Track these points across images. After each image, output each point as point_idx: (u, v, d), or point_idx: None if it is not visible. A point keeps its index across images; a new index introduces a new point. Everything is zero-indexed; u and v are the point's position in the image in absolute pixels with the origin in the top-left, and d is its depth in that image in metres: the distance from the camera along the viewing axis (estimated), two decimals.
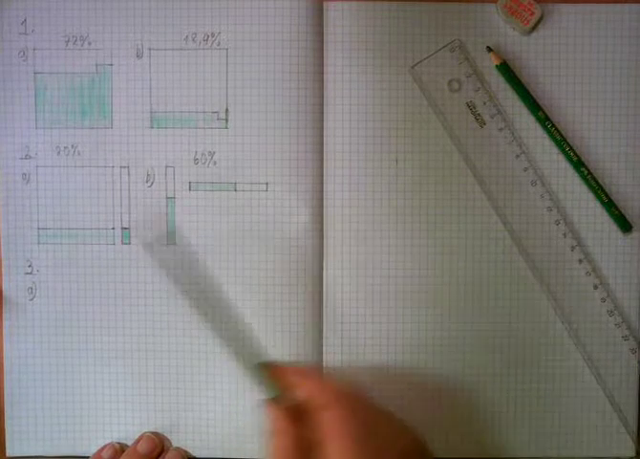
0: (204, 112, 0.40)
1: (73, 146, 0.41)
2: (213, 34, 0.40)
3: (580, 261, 0.41)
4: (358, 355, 0.41)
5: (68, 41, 0.40)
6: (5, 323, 0.41)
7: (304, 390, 0.34)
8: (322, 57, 0.40)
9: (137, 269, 0.41)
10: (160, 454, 0.41)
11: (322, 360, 0.41)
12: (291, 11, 0.40)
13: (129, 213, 0.41)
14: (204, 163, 0.40)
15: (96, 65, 0.40)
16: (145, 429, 0.41)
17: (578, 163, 0.40)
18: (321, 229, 0.41)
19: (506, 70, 0.40)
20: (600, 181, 0.40)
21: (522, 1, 0.39)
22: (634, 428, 0.41)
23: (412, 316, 0.41)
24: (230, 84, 0.40)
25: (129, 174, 0.41)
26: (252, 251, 0.41)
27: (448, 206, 0.41)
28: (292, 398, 0.34)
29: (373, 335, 0.41)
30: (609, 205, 0.40)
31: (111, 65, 0.40)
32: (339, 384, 0.34)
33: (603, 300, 0.41)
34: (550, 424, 0.41)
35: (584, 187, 0.41)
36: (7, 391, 0.41)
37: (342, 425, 0.31)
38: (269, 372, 0.36)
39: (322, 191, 0.40)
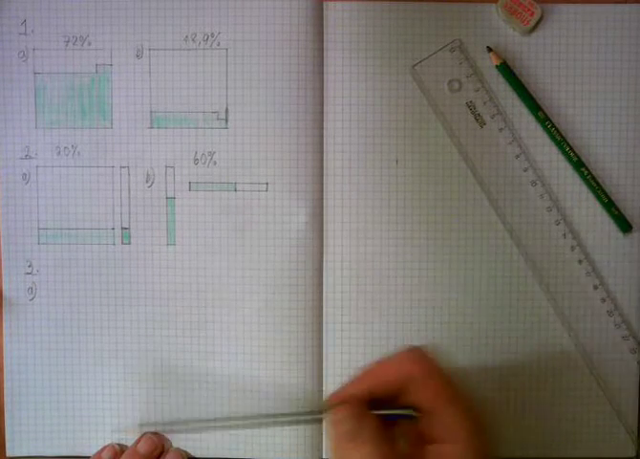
0: (204, 112, 0.40)
1: (73, 146, 0.41)
2: (213, 34, 0.40)
3: (580, 261, 0.41)
4: (358, 355, 0.41)
5: (68, 41, 0.40)
6: (5, 323, 0.41)
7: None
8: (322, 57, 0.40)
9: (137, 269, 0.41)
10: (160, 455, 0.41)
11: (322, 361, 0.41)
12: (291, 11, 0.40)
13: (129, 213, 0.41)
14: (204, 163, 0.40)
15: (96, 65, 0.40)
16: (145, 429, 0.41)
17: (578, 164, 0.40)
18: (321, 229, 0.41)
19: (506, 70, 0.40)
20: (600, 181, 0.40)
21: (523, 1, 0.39)
22: (634, 428, 0.41)
23: (412, 316, 0.41)
24: (230, 84, 0.40)
25: (129, 174, 0.41)
26: (252, 251, 0.40)
27: (448, 206, 0.41)
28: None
29: (373, 335, 0.41)
30: (609, 205, 0.40)
31: (111, 65, 0.40)
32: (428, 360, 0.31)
33: (603, 300, 0.41)
34: (550, 424, 0.41)
35: (584, 187, 0.41)
36: (7, 391, 0.41)
37: (453, 392, 0.30)
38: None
39: (322, 191, 0.40)
